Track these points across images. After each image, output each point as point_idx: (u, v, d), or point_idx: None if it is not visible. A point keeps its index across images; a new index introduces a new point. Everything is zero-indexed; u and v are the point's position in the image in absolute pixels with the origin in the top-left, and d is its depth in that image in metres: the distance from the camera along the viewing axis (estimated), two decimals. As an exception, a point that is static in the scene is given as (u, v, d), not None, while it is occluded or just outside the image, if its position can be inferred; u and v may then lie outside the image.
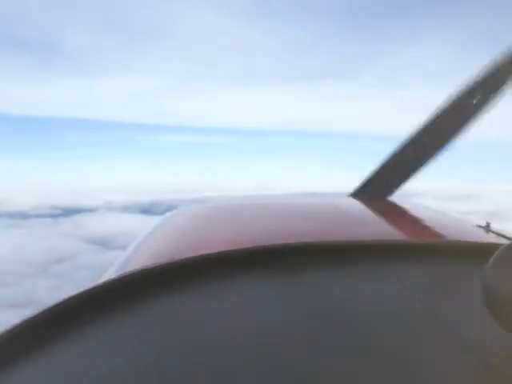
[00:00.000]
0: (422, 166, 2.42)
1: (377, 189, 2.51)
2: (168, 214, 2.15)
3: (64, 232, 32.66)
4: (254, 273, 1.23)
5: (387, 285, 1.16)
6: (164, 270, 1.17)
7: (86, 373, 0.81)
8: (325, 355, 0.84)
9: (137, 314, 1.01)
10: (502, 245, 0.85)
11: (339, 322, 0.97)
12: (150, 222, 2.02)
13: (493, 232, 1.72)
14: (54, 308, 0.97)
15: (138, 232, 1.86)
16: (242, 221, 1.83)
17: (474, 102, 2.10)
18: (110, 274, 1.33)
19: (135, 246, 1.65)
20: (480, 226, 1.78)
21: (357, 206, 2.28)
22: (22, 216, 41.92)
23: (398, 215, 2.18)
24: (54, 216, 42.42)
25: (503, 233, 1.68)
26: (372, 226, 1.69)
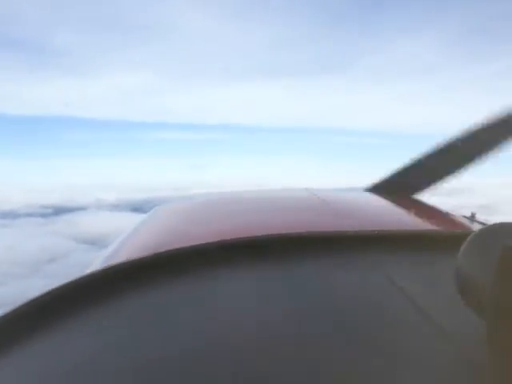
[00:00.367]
0: (450, 173, 2.30)
1: (395, 188, 2.43)
2: (152, 211, 2.16)
3: (55, 231, 32.48)
4: (239, 264, 1.24)
5: (372, 275, 1.17)
6: (142, 264, 1.17)
7: (66, 364, 0.82)
8: (311, 343, 0.85)
9: (116, 307, 1.01)
10: None
11: (324, 311, 0.98)
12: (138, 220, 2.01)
13: (477, 222, 1.75)
14: (35, 301, 0.98)
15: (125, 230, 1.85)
16: (227, 214, 1.83)
17: None
18: (93, 268, 1.32)
19: (119, 242, 1.65)
20: (465, 217, 1.82)
21: (346, 198, 2.29)
22: (13, 215, 41.66)
23: (385, 207, 2.18)
24: (44, 215, 42.20)
25: (487, 223, 1.71)
26: (358, 217, 1.69)
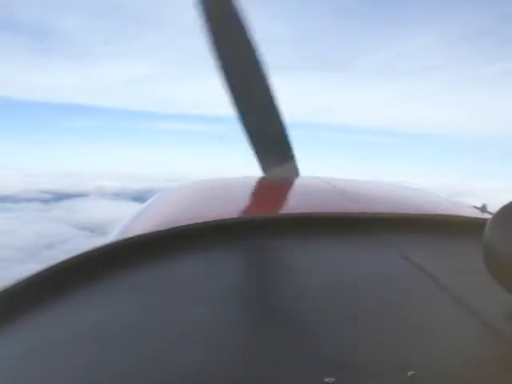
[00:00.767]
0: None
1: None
2: (156, 195, 2.19)
3: (55, 217, 32.48)
4: (269, 239, 1.28)
5: (388, 254, 1.20)
6: (154, 237, 1.21)
7: (79, 328, 0.84)
8: (326, 319, 0.85)
9: (126, 278, 1.05)
10: None
11: (340, 288, 1.00)
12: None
13: (488, 213, 1.79)
14: (44, 272, 1.00)
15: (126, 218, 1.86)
16: (248, 197, 1.88)
17: None
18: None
19: (119, 228, 1.67)
20: (476, 207, 1.87)
21: (360, 186, 2.32)
22: (12, 200, 41.62)
23: (399, 194, 2.21)
24: (44, 200, 42.16)
25: None
26: (363, 202, 1.71)
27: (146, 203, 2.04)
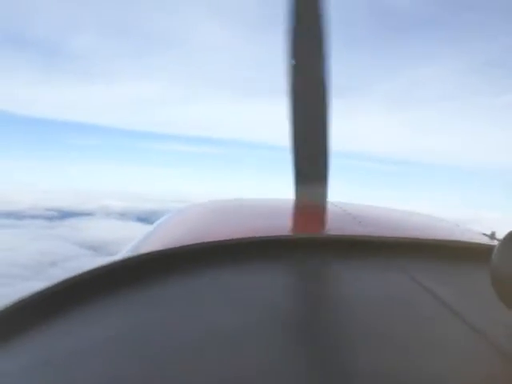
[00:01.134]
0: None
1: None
2: (166, 215, 2.22)
3: (59, 235, 32.51)
4: (274, 260, 1.29)
5: (396, 276, 1.21)
6: (170, 254, 1.22)
7: (90, 342, 0.83)
8: (333, 341, 0.86)
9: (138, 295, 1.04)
10: None
11: (348, 309, 1.01)
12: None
13: (497, 239, 1.79)
14: (56, 287, 1.00)
15: (133, 238, 1.87)
16: (255, 218, 1.89)
17: None
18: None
19: (132, 245, 1.68)
20: (485, 235, 1.87)
21: (367, 209, 2.34)
22: (17, 216, 41.76)
23: (408, 219, 2.22)
24: (49, 218, 42.27)
25: None
26: (372, 226, 1.72)
27: (156, 223, 2.05)
